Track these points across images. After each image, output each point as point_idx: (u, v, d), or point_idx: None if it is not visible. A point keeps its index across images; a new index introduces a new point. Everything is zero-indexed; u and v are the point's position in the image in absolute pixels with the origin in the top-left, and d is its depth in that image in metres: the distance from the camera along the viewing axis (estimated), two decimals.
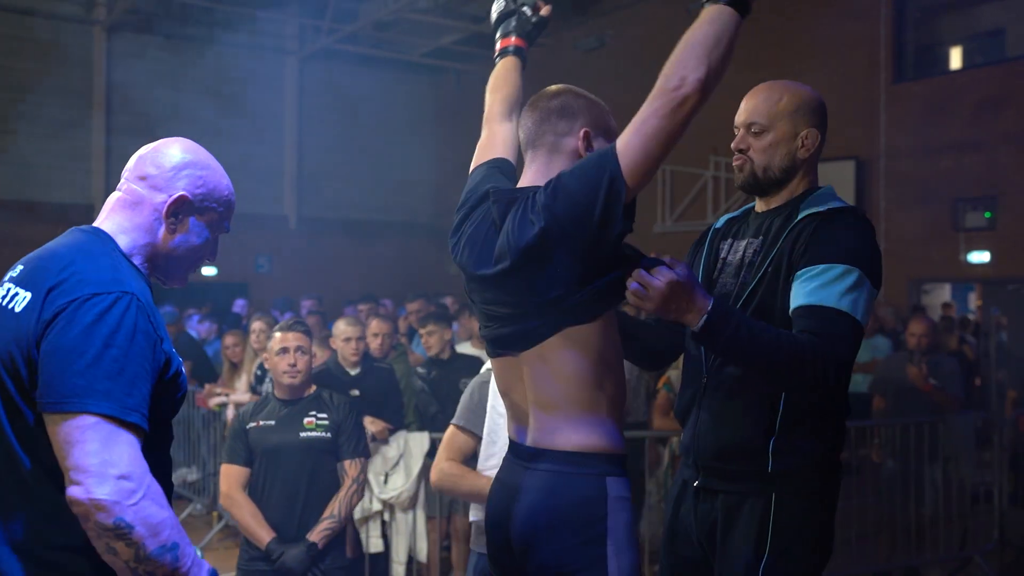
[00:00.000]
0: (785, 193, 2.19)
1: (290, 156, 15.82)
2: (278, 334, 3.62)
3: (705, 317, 1.82)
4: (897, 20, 11.03)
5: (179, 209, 1.72)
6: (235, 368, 6.53)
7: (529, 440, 1.88)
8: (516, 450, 1.94)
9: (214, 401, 6.16)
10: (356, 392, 4.82)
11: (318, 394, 3.69)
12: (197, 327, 8.99)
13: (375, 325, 5.24)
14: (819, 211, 2.10)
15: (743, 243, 2.21)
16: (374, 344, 5.14)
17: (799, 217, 2.11)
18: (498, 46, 2.36)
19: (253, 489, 3.50)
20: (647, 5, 13.55)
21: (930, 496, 5.36)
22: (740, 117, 2.21)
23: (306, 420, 3.57)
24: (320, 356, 5.74)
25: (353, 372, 4.86)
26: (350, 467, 3.59)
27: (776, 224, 2.15)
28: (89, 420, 1.46)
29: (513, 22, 2.35)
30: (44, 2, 13.47)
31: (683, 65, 1.73)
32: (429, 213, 16.57)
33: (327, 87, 15.96)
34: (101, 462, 1.45)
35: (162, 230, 1.72)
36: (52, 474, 1.53)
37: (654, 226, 12.81)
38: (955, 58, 11.28)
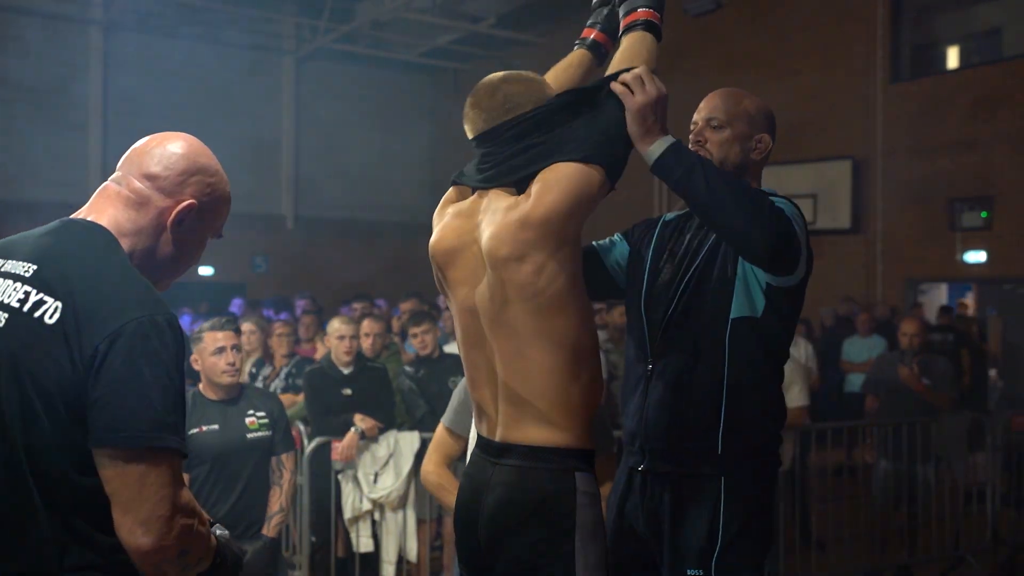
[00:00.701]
0: None
1: (287, 156, 15.82)
2: (209, 334, 3.53)
3: (672, 139, 1.92)
4: (893, 20, 11.03)
5: (186, 217, 1.61)
6: None
7: (497, 435, 1.88)
8: (484, 445, 1.94)
9: None
10: (348, 391, 4.82)
11: (245, 391, 3.69)
12: (191, 327, 8.97)
13: (366, 325, 5.25)
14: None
15: (687, 236, 2.25)
16: (365, 344, 5.14)
17: None
18: (583, 32, 2.29)
19: (199, 493, 3.44)
20: None
21: (923, 496, 5.36)
22: (699, 114, 2.27)
23: (248, 420, 3.57)
24: (321, 353, 5.74)
25: (346, 371, 4.86)
26: (287, 460, 3.66)
27: None
28: (165, 459, 1.44)
29: (604, 12, 2.21)
30: (40, 1, 13.47)
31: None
32: (426, 213, 16.28)
33: (324, 87, 15.95)
34: (172, 506, 1.44)
35: (164, 236, 1.61)
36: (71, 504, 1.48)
37: None
38: (951, 58, 11.28)
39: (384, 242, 15.67)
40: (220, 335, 3.50)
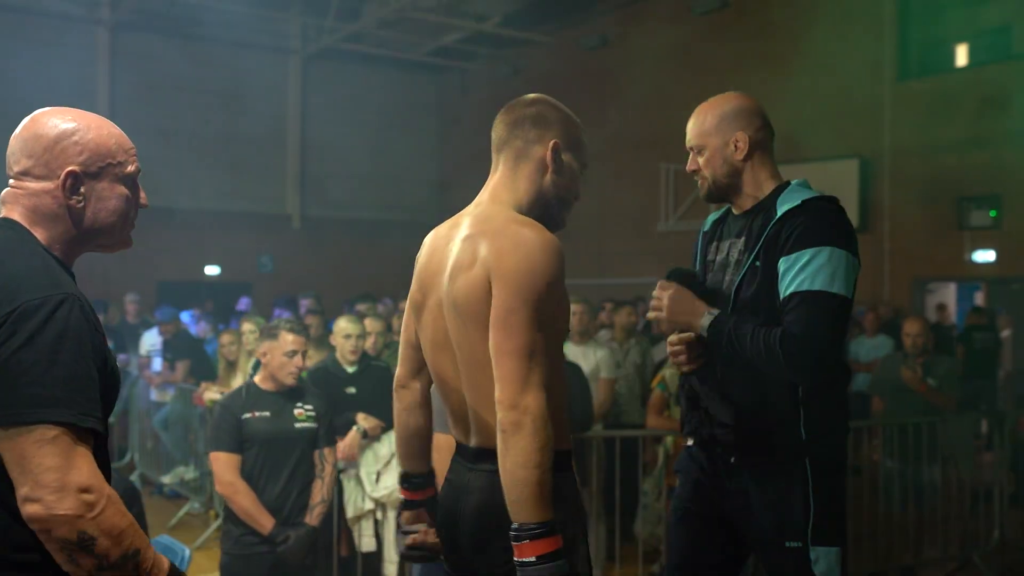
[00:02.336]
0: (747, 194, 2.38)
1: (293, 155, 15.83)
2: (285, 335, 3.74)
3: (712, 316, 2.22)
4: (901, 17, 10.98)
5: (75, 183, 1.62)
6: (232, 366, 6.53)
7: (472, 441, 1.92)
8: (461, 451, 1.98)
9: (207, 396, 6.17)
10: (352, 389, 4.81)
11: (297, 387, 3.87)
12: (195, 326, 8.97)
13: (368, 324, 5.25)
14: (794, 205, 2.25)
15: (727, 243, 2.40)
16: (367, 343, 5.13)
17: (778, 215, 2.26)
18: None
19: (248, 476, 3.67)
20: (649, 4, 13.51)
21: (929, 496, 5.32)
22: (687, 142, 2.45)
23: (296, 411, 3.79)
24: (315, 357, 5.72)
25: (350, 370, 4.85)
26: (328, 454, 3.88)
27: (757, 224, 2.30)
28: (48, 433, 1.44)
29: None
30: (48, 1, 13.50)
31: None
32: (432, 211, 16.56)
33: (330, 86, 15.97)
34: (60, 476, 1.43)
35: (72, 212, 1.63)
36: None
37: (657, 224, 12.77)
38: (960, 56, 11.21)
39: (390, 241, 15.67)
40: (293, 339, 3.74)
